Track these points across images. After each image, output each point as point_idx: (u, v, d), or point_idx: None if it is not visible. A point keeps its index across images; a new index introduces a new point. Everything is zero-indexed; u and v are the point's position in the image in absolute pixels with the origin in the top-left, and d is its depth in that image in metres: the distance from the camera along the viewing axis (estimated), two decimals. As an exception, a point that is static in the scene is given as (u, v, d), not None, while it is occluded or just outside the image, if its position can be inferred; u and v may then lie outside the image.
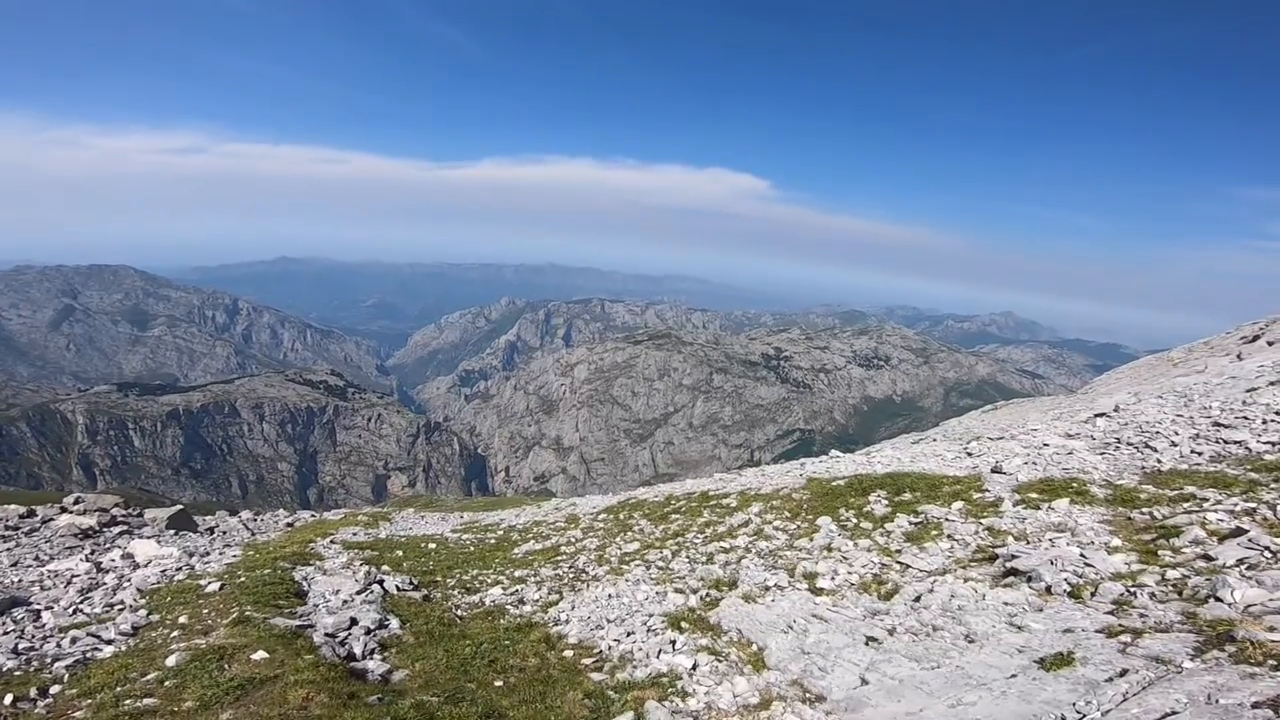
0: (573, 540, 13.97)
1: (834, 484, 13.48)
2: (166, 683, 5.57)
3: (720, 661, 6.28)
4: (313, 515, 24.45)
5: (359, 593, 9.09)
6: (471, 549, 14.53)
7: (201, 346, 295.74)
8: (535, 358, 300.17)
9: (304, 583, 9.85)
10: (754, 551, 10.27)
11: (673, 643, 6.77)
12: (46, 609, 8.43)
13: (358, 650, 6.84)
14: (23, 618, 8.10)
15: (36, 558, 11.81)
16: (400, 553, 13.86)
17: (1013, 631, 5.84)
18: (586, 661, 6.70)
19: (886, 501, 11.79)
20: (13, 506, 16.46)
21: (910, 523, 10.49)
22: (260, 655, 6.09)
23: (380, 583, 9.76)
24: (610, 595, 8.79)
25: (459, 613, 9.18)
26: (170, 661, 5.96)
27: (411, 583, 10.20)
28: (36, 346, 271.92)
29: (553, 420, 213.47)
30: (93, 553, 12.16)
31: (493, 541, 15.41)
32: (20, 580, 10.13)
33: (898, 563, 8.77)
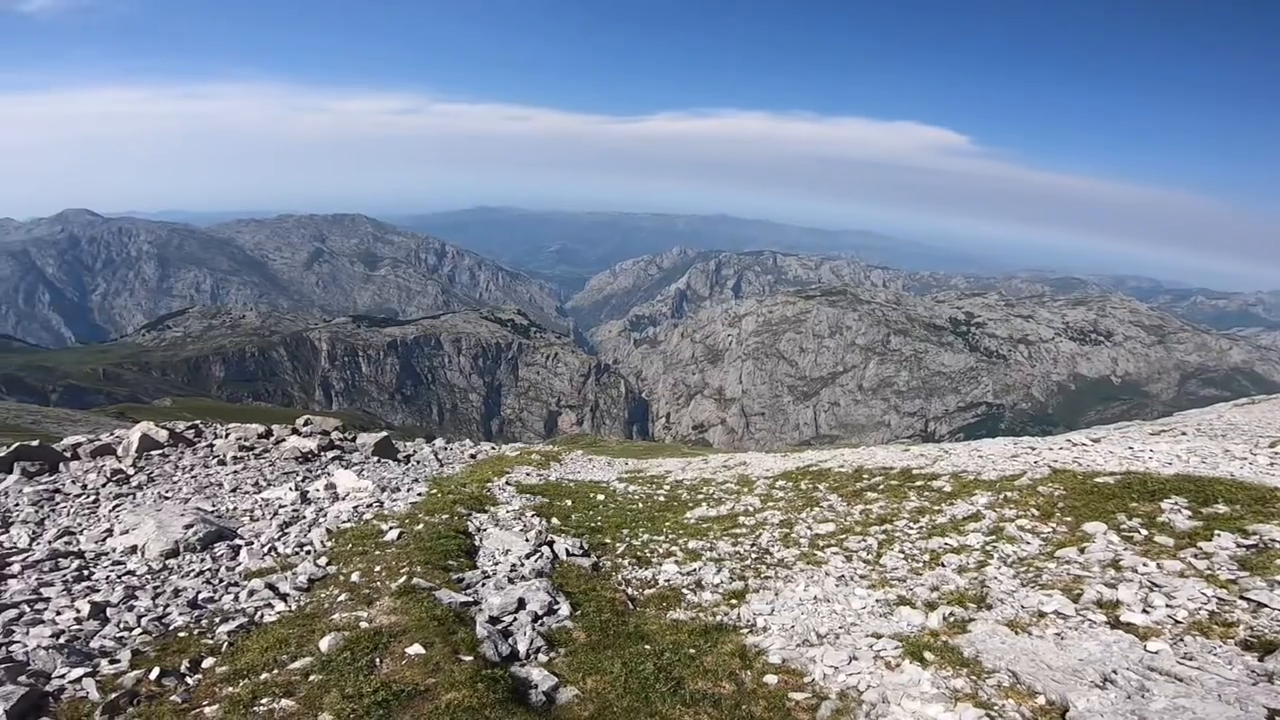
0: (750, 509, 12.47)
1: (1097, 480, 10.46)
2: (311, 677, 4.99)
3: (998, 721, 4.38)
4: (493, 447, 25.63)
5: (528, 556, 8.47)
6: (639, 505, 13.68)
7: (416, 285, 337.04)
8: (704, 307, 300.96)
9: (476, 535, 9.48)
10: (997, 557, 7.98)
11: (917, 682, 4.96)
12: (246, 545, 8.49)
13: (522, 647, 5.94)
14: (221, 555, 8.13)
15: (256, 483, 12.32)
16: (569, 502, 13.40)
17: None
18: (797, 698, 5.09)
19: (1189, 512, 8.78)
20: (253, 426, 17.98)
21: (1239, 544, 7.56)
22: (416, 650, 5.35)
23: (550, 544, 9.12)
24: (816, 597, 7.09)
25: (629, 591, 8.10)
26: (324, 645, 5.42)
27: (581, 548, 9.44)
28: (294, 283, 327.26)
29: (716, 370, 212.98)
30: (304, 479, 12.72)
31: (661, 499, 14.44)
32: (235, 509, 10.47)
33: (1243, 599, 6.14)
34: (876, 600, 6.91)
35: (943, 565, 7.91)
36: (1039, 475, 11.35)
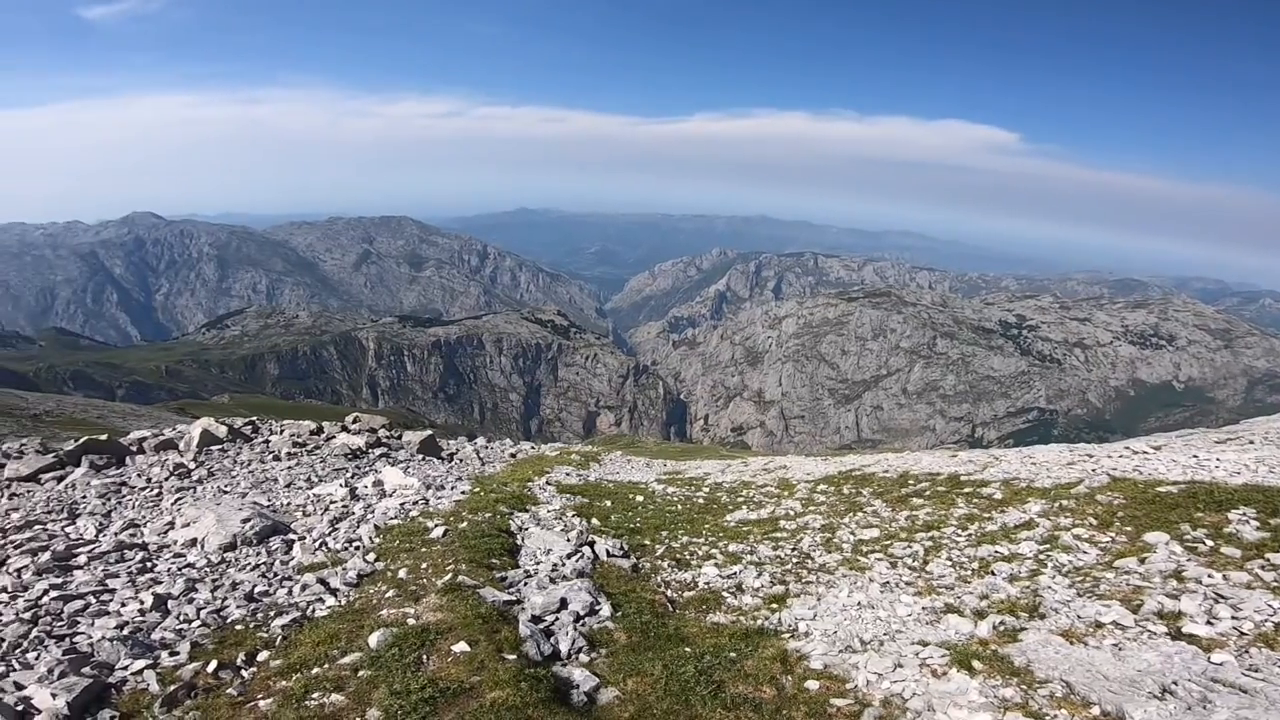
0: (791, 513, 12.31)
1: (1159, 489, 10.00)
2: (361, 673, 5.13)
3: (1050, 734, 4.24)
4: (532, 446, 25.95)
5: (569, 556, 8.57)
6: (678, 506, 13.64)
7: (459, 286, 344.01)
8: (743, 308, 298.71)
9: (518, 534, 9.59)
10: (1051, 566, 7.71)
11: (964, 691, 4.82)
12: (299, 540, 8.71)
13: (564, 647, 6.01)
14: (276, 549, 8.37)
15: (309, 479, 12.59)
16: (609, 503, 13.46)
17: None
18: (840, 704, 5.00)
19: (1257, 523, 8.34)
20: (306, 423, 18.51)
21: (1308, 557, 7.17)
22: (461, 648, 5.46)
23: (591, 544, 9.21)
24: (860, 603, 6.96)
25: (669, 593, 8.09)
26: (373, 641, 5.56)
27: (621, 549, 9.47)
28: (344, 284, 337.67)
29: (756, 372, 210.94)
30: (353, 476, 12.98)
31: (700, 501, 14.37)
32: (289, 504, 10.74)
33: (1312, 611, 5.84)
34: (922, 608, 6.74)
35: (993, 573, 7.67)
36: (1097, 483, 10.90)
